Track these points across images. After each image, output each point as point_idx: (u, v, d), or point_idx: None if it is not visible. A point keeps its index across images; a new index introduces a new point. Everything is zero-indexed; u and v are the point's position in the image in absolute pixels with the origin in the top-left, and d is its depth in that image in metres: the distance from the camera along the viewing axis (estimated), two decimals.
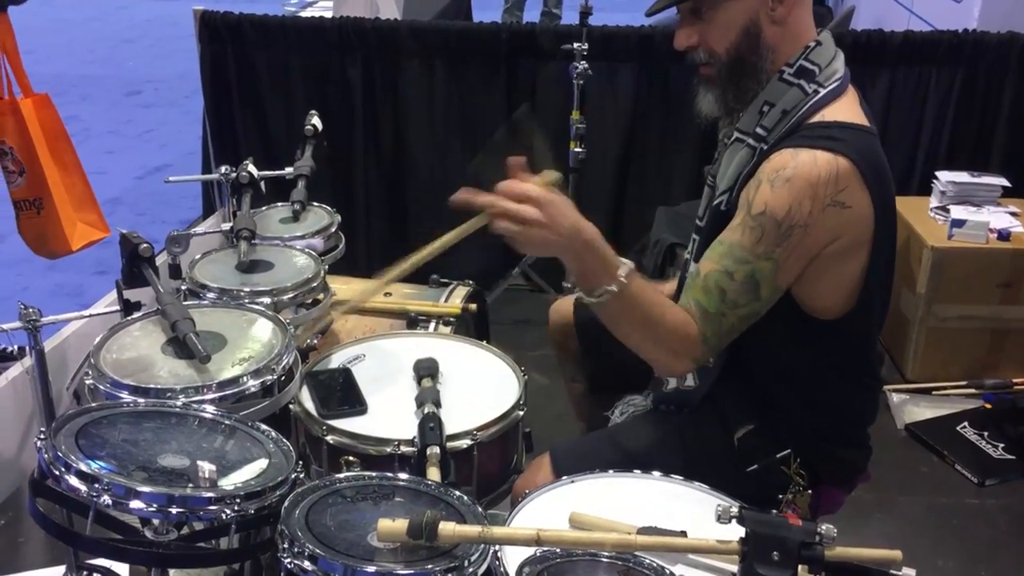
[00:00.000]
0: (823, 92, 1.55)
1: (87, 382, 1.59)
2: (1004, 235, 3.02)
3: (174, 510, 1.25)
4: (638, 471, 1.56)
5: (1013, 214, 3.13)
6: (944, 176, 3.22)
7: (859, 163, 1.47)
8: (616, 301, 1.47)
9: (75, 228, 2.73)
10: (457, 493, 1.40)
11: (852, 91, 1.60)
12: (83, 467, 1.26)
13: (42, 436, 1.31)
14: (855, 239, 1.52)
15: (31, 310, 1.94)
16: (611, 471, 1.56)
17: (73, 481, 1.25)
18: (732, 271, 1.50)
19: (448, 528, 1.23)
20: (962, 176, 3.21)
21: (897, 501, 2.63)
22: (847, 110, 1.55)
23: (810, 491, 1.66)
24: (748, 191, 1.53)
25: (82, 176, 2.78)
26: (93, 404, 1.49)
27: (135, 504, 1.24)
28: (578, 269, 1.47)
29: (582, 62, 3.17)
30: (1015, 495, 2.68)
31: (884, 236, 1.55)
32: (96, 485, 1.24)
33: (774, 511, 1.22)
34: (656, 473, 1.56)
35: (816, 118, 1.53)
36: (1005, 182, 3.19)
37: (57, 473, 1.26)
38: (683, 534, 1.31)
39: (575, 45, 3.15)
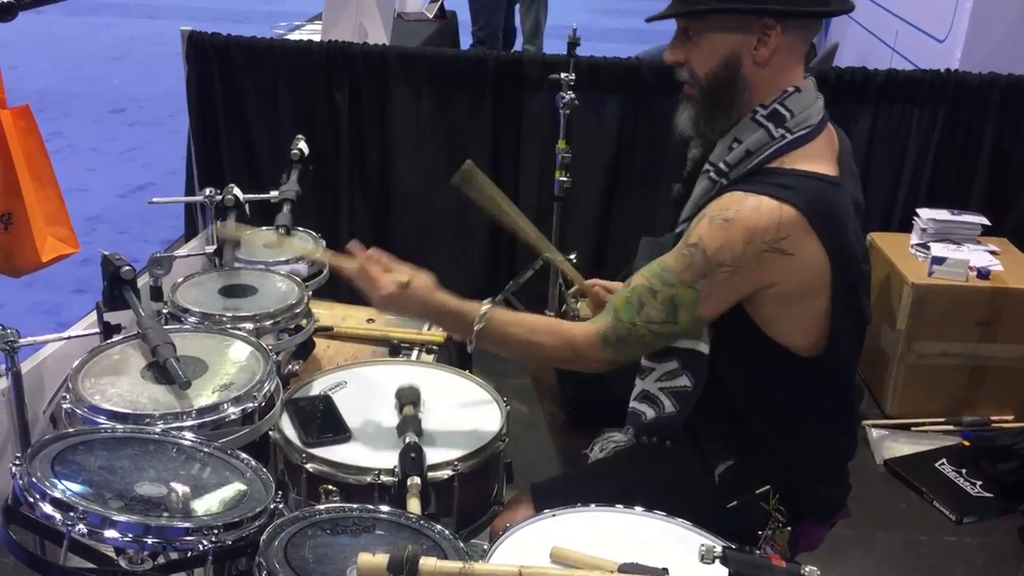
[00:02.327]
0: (789, 138, 1.57)
1: (64, 406, 1.57)
2: (984, 273, 3.04)
3: (150, 540, 1.24)
4: (620, 506, 1.56)
5: (992, 252, 3.15)
6: (925, 213, 3.24)
7: (806, 212, 1.49)
8: (483, 341, 1.66)
9: (45, 241, 2.71)
10: (438, 527, 1.39)
11: (825, 139, 1.61)
12: (58, 495, 1.24)
13: (17, 461, 1.29)
14: (804, 285, 1.54)
15: (9, 331, 1.91)
16: (593, 505, 1.56)
17: (48, 509, 1.23)
18: (656, 290, 1.58)
19: (429, 564, 1.21)
20: (943, 214, 3.24)
21: (876, 538, 2.62)
22: (810, 158, 1.56)
23: (789, 528, 1.66)
24: (694, 221, 1.58)
25: (57, 191, 2.75)
26: (70, 429, 1.47)
27: (110, 534, 1.22)
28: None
29: (568, 92, 3.18)
30: (992, 533, 2.69)
31: (845, 280, 1.56)
32: (71, 513, 1.22)
33: (757, 551, 1.22)
34: (639, 508, 1.55)
35: (776, 163, 1.56)
36: (985, 220, 3.22)
37: (32, 500, 1.24)
38: (665, 572, 1.30)
39: (562, 75, 3.17)
